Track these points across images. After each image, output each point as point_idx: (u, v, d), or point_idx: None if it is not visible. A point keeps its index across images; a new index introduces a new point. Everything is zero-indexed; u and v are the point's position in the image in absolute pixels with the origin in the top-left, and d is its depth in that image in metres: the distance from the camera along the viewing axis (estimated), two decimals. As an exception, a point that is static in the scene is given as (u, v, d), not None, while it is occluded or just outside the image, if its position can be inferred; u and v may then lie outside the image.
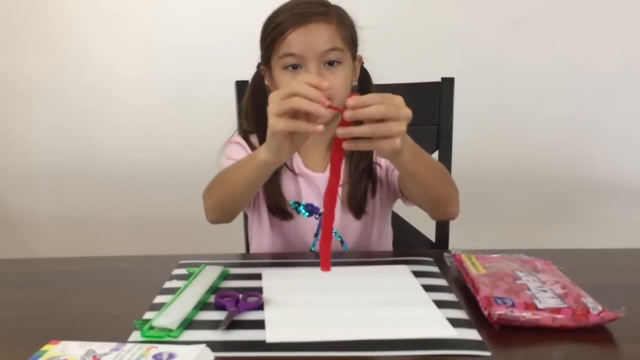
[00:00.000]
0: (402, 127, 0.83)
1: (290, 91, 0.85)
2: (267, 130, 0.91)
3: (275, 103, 0.87)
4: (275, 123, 0.87)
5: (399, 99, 0.84)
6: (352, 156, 1.17)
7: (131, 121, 2.18)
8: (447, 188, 1.07)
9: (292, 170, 1.17)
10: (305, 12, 1.07)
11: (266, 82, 1.17)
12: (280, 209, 1.16)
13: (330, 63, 1.08)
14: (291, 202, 1.17)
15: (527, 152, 2.11)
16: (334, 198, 0.87)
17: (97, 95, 2.16)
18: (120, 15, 2.11)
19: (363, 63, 1.19)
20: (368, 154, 1.17)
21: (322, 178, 1.17)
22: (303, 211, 1.17)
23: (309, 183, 1.18)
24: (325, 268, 0.88)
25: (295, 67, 1.08)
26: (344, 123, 0.83)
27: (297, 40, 1.06)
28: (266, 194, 1.17)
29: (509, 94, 2.09)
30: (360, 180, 1.15)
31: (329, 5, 1.12)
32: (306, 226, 1.18)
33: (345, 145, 0.84)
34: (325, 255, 0.88)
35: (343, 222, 1.18)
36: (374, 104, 0.81)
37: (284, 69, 1.09)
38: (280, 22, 1.08)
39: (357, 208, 1.16)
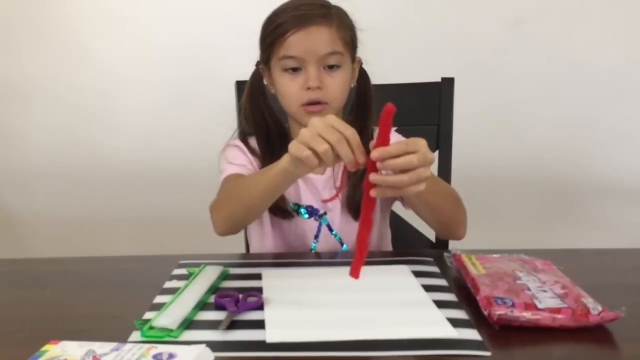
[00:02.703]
0: (427, 172, 0.82)
1: (328, 142, 0.81)
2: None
3: (309, 138, 0.82)
4: (299, 153, 0.84)
5: (423, 143, 0.81)
6: None
7: (131, 121, 2.18)
8: (457, 212, 1.07)
9: None
10: (306, 14, 1.07)
11: (265, 82, 1.17)
12: (281, 209, 1.16)
13: (330, 66, 1.08)
14: (291, 205, 1.17)
15: (527, 152, 2.11)
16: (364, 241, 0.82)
17: (97, 95, 2.16)
18: (120, 16, 2.11)
19: (362, 64, 1.19)
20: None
21: (321, 180, 1.18)
22: (303, 213, 1.17)
23: (308, 185, 1.18)
24: (355, 275, 0.83)
25: (294, 69, 1.08)
26: (373, 168, 0.80)
27: (297, 43, 1.06)
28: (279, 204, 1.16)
29: (509, 94, 2.08)
30: (359, 183, 1.15)
31: (329, 6, 1.11)
32: (306, 228, 1.18)
33: (373, 194, 0.80)
34: (357, 262, 0.83)
35: (342, 223, 1.18)
36: (401, 154, 0.78)
37: (283, 70, 1.09)
38: (280, 23, 1.07)
39: (355, 209, 1.16)
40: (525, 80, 2.07)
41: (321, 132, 0.81)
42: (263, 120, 1.19)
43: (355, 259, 0.82)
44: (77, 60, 2.14)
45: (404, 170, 0.79)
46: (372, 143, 0.79)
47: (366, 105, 1.19)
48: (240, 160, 1.18)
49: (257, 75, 1.19)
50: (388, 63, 1.68)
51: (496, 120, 2.09)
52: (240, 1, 2.03)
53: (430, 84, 1.33)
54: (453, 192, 1.08)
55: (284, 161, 0.92)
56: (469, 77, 1.65)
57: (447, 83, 1.32)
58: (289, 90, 1.10)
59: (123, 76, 2.15)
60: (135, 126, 2.18)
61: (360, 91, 1.19)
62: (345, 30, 1.10)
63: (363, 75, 1.20)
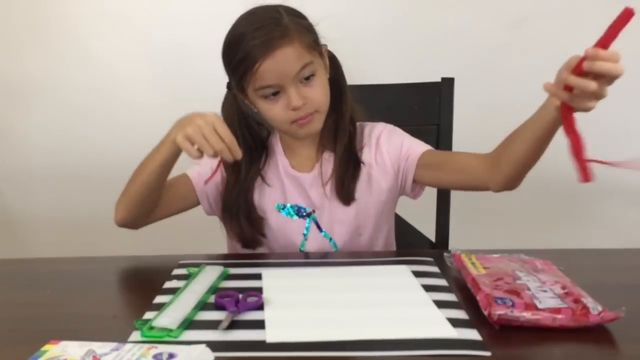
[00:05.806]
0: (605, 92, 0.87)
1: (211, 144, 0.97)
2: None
3: (199, 140, 0.99)
4: (183, 146, 1.02)
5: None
6: (335, 148, 1.16)
7: (131, 121, 2.17)
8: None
9: (267, 183, 1.17)
10: (265, 40, 1.03)
11: (246, 102, 1.14)
12: (251, 241, 1.17)
13: (306, 77, 1.07)
14: (277, 205, 1.16)
15: (527, 152, 2.10)
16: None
17: (97, 94, 2.16)
18: (120, 15, 2.11)
19: (327, 46, 1.15)
20: (347, 142, 1.16)
21: (308, 179, 1.17)
22: (291, 213, 1.16)
23: (295, 184, 1.17)
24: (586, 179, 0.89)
25: (274, 93, 1.07)
26: (578, 69, 0.84)
27: (269, 72, 1.04)
28: (242, 236, 1.17)
29: (509, 94, 2.08)
30: (345, 172, 1.15)
31: (281, 17, 1.07)
32: (293, 227, 1.17)
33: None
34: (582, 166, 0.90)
35: (331, 221, 1.17)
36: (609, 61, 0.86)
37: (263, 97, 1.08)
38: (244, 55, 1.05)
39: (346, 195, 1.15)
40: (525, 80, 2.06)
41: (208, 137, 0.97)
42: (242, 142, 1.16)
43: (580, 164, 0.90)
44: (78, 60, 2.14)
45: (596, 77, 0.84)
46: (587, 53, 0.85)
47: (340, 94, 1.15)
48: (206, 167, 1.17)
49: (228, 103, 1.18)
50: (388, 63, 1.68)
51: (496, 120, 2.08)
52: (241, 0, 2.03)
53: (430, 84, 1.33)
54: None
55: (172, 136, 1.06)
56: (469, 77, 1.64)
57: (447, 83, 1.32)
58: (276, 114, 1.09)
59: (123, 75, 2.15)
60: (135, 125, 2.17)
61: (332, 80, 1.15)
62: (305, 35, 1.07)
63: (333, 63, 1.16)
